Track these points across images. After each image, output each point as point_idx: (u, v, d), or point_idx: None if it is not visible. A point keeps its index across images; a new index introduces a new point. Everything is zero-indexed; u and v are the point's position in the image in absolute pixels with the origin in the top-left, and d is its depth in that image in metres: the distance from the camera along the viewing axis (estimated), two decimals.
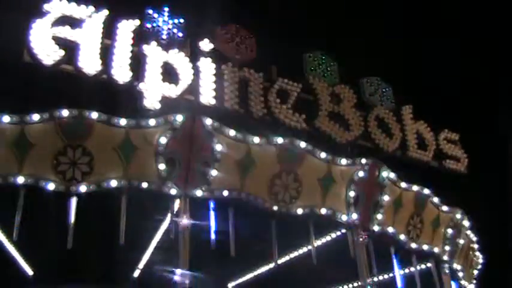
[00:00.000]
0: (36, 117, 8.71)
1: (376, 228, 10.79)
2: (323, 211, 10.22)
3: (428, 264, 12.38)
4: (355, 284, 14.07)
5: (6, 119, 8.65)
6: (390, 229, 11.04)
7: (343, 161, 10.43)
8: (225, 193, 9.24)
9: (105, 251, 10.86)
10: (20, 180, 8.64)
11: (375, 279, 11.11)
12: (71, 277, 13.32)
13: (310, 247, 10.63)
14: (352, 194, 10.44)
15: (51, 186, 8.66)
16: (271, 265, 11.99)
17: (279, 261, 10.73)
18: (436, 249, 12.10)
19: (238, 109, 10.45)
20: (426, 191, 11.60)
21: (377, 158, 10.97)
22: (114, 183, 8.77)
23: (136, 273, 13.31)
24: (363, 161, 10.57)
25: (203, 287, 11.39)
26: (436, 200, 11.82)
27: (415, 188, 11.41)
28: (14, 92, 10.41)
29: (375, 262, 10.90)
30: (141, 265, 12.80)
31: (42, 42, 9.40)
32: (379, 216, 10.76)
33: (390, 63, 16.84)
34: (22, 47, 9.41)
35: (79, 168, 8.70)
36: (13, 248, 12.06)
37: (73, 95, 9.64)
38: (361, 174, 10.47)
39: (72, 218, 8.69)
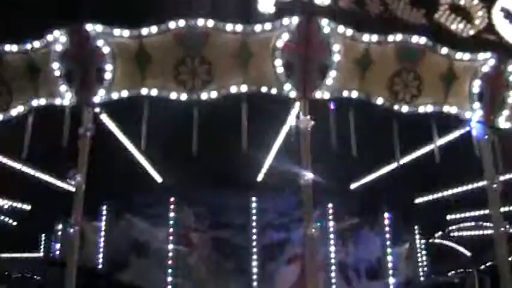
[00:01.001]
0: (153, 29, 8.88)
1: (502, 124, 10.37)
2: (445, 108, 9.92)
3: None
4: (480, 184, 13.77)
5: (125, 33, 8.90)
6: None
7: (466, 56, 9.96)
8: (345, 93, 9.15)
9: (229, 157, 11.12)
10: (144, 91, 8.97)
11: (501, 178, 10.75)
12: (197, 183, 13.89)
13: (433, 146, 10.42)
14: (475, 90, 10.01)
15: (173, 96, 8.93)
16: (394, 165, 11.91)
17: (401, 161, 10.62)
18: None
19: (354, 7, 10.14)
20: None
21: (502, 51, 10.41)
22: (234, 89, 8.88)
23: (260, 177, 13.64)
24: (487, 55, 10.05)
25: (326, 188, 11.52)
26: None
27: None
28: (132, 6, 10.56)
29: (501, 160, 10.56)
30: (264, 169, 13.08)
31: None
32: (505, 112, 10.31)
33: None
34: None
35: (199, 76, 8.86)
36: (142, 158, 12.67)
37: (185, 4, 9.66)
38: (485, 69, 9.98)
39: (196, 126, 8.93)
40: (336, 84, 9.03)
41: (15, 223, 18.96)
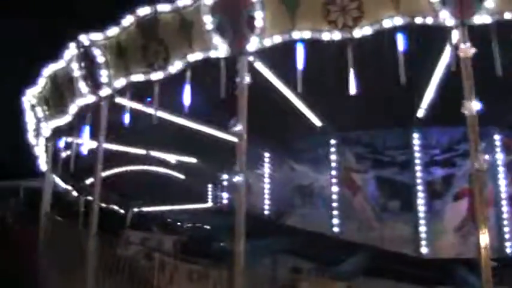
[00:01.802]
0: None
1: None
2: None
3: None
4: None
5: None
6: None
7: None
8: (507, 15, 8.48)
9: (387, 93, 10.85)
10: (295, 35, 8.90)
11: None
12: (356, 123, 13.73)
13: None
14: None
15: (325, 36, 8.77)
16: None
17: None
18: None
19: None
20: None
21: None
22: (387, 23, 8.53)
23: (421, 112, 13.22)
24: None
25: (492, 118, 10.91)
26: None
27: None
28: None
29: None
30: (425, 103, 12.65)
31: None
32: None
33: None
34: None
35: (349, 14, 8.62)
36: (300, 102, 12.69)
37: None
38: None
39: (351, 64, 8.73)
40: (495, 7, 8.39)
41: (183, 177, 19.85)
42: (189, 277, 11.06)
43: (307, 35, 8.85)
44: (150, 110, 10.97)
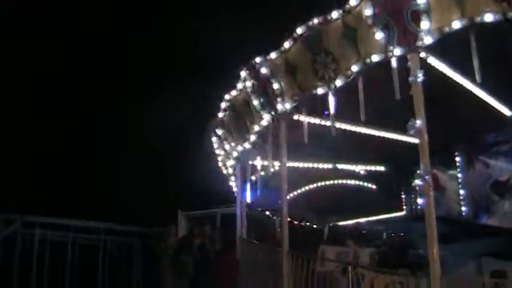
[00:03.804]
0: None
1: None
2: None
3: None
4: None
5: None
6: None
7: None
8: None
9: None
10: (465, 22, 8.42)
11: None
12: None
13: None
14: None
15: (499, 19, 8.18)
16: None
17: None
18: None
19: None
20: None
21: None
22: None
23: None
24: None
25: None
26: None
27: None
28: None
29: None
30: None
31: None
32: None
33: None
34: None
35: None
36: (483, 93, 11.95)
37: None
38: None
39: None
40: None
41: (374, 187, 19.52)
42: None
43: (478, 20, 8.30)
44: (328, 123, 10.86)
